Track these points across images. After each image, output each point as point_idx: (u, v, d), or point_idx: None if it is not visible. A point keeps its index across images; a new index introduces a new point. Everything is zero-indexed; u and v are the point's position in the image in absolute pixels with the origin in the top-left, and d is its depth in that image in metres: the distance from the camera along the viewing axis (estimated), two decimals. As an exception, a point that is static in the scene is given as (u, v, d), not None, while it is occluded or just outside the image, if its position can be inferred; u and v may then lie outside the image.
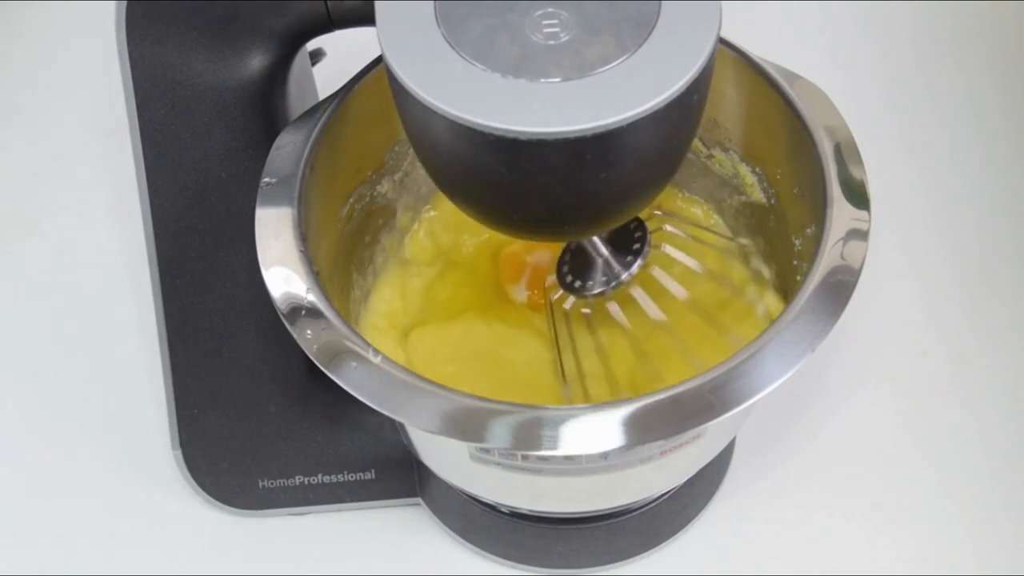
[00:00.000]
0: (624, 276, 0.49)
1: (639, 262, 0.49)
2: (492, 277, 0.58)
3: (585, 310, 0.52)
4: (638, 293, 0.50)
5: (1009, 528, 0.56)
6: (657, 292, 0.51)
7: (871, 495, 0.58)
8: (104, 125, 0.74)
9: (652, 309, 0.50)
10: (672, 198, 0.59)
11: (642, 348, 0.52)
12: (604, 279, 0.50)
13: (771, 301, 0.54)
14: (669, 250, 0.51)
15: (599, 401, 0.51)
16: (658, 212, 0.53)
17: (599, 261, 0.50)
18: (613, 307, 0.50)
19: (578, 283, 0.50)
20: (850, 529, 0.57)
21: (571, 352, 0.52)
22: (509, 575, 0.56)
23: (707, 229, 0.56)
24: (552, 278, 0.52)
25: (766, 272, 0.55)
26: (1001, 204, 0.69)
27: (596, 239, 0.50)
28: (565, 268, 0.51)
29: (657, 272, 0.51)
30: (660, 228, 0.52)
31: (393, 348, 0.55)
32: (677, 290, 0.51)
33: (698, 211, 0.59)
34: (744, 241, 0.56)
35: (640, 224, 0.50)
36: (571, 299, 0.51)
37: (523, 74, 0.38)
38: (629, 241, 0.50)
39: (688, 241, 0.53)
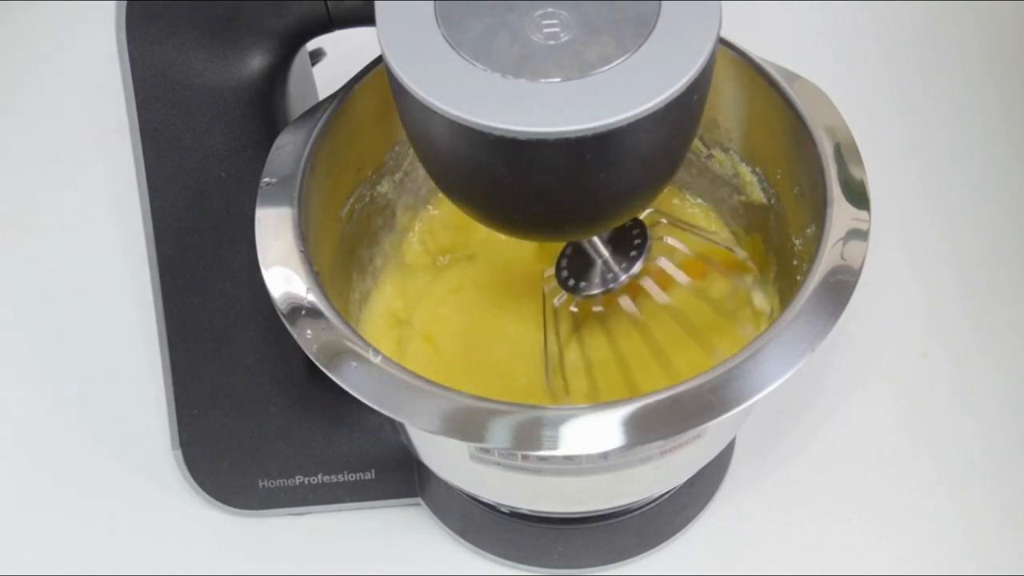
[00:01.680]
0: (623, 278, 0.49)
1: (638, 264, 0.49)
2: (495, 272, 0.58)
3: (573, 308, 0.52)
4: (626, 302, 0.50)
5: (1009, 528, 0.56)
6: (648, 301, 0.51)
7: (871, 495, 0.58)
8: (104, 125, 0.74)
9: (638, 316, 0.50)
10: (672, 198, 0.59)
11: (623, 354, 0.52)
12: (600, 280, 0.50)
13: (762, 324, 0.54)
14: (664, 263, 0.51)
15: (580, 396, 0.52)
16: (663, 220, 0.53)
17: (598, 262, 0.50)
18: (601, 308, 0.50)
19: (573, 281, 0.50)
20: (850, 529, 0.57)
21: (556, 347, 0.52)
22: (509, 575, 0.56)
23: (709, 239, 0.55)
24: (551, 271, 0.52)
25: (763, 299, 0.54)
26: (1001, 204, 0.69)
27: (596, 240, 0.49)
28: (564, 263, 0.51)
29: (649, 284, 0.50)
30: (661, 238, 0.52)
31: (393, 348, 0.55)
32: (666, 300, 0.50)
33: (698, 211, 0.59)
34: (744, 255, 0.55)
35: (640, 226, 0.50)
36: (563, 295, 0.51)
37: (523, 74, 0.38)
38: (629, 242, 0.50)
39: (686, 254, 0.53)
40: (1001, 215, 0.69)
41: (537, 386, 0.53)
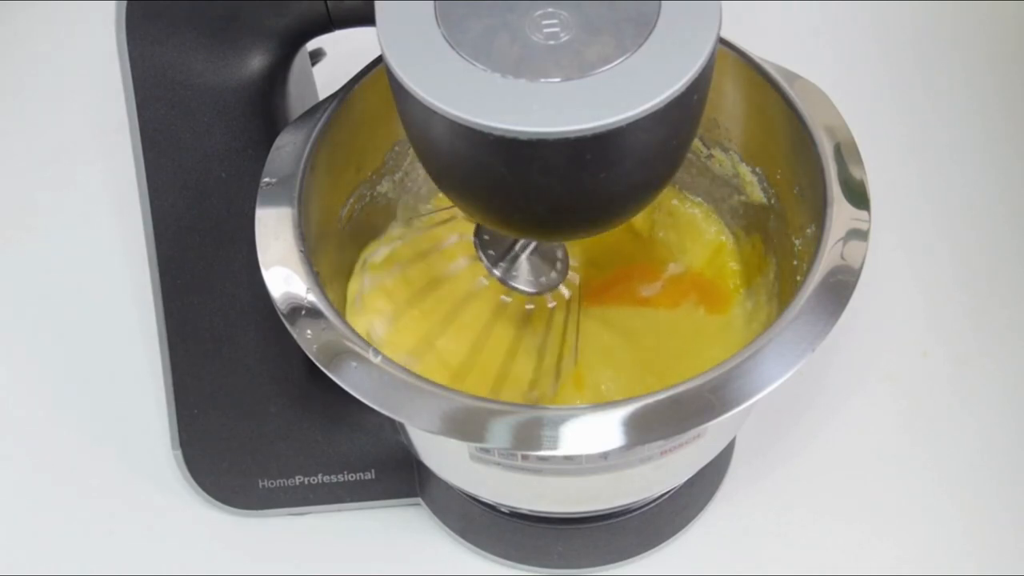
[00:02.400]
0: (507, 280, 0.50)
1: (531, 292, 0.50)
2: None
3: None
4: (482, 282, 0.51)
5: (1009, 528, 0.56)
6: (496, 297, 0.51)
7: (871, 495, 0.58)
8: (104, 125, 0.74)
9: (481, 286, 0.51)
10: (672, 198, 0.59)
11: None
12: (498, 261, 0.50)
13: None
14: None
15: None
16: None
17: (516, 254, 0.50)
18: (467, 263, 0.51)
19: (490, 252, 0.50)
20: (850, 529, 0.57)
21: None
22: (509, 575, 0.56)
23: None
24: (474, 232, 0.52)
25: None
26: (1001, 204, 0.69)
27: (535, 245, 0.49)
28: (488, 234, 0.51)
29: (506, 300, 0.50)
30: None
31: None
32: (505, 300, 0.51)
33: (698, 211, 0.59)
34: None
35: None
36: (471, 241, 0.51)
37: (523, 74, 0.38)
38: (549, 268, 0.51)
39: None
40: (1001, 215, 0.69)
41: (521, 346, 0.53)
